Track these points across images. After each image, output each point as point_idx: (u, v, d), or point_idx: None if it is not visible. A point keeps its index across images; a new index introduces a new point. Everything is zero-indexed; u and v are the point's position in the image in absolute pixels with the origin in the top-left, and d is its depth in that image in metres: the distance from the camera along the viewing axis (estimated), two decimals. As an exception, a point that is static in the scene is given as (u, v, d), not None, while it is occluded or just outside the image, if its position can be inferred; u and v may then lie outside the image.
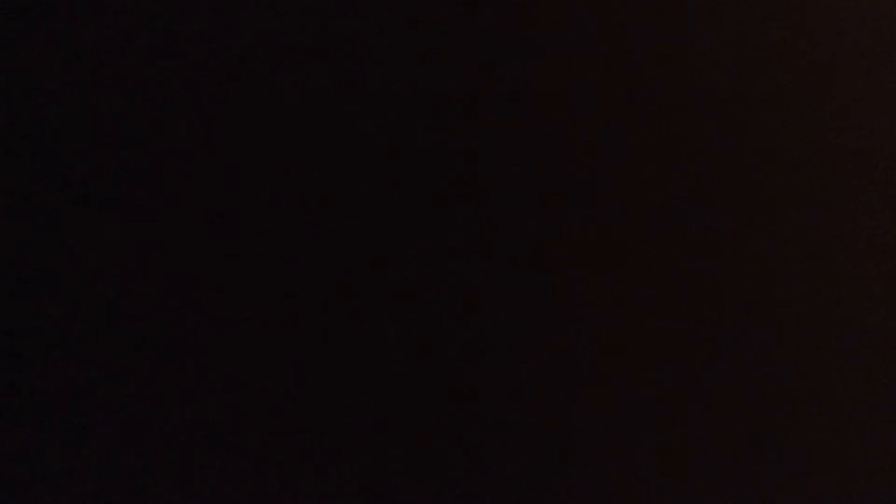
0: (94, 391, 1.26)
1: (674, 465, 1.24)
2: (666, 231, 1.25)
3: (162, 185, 1.27)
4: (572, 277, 1.26)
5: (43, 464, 1.26)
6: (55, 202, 1.27)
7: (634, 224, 1.26)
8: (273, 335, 1.26)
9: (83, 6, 1.27)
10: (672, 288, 1.25)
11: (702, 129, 1.26)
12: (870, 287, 1.24)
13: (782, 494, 1.24)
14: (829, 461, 1.24)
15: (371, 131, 1.27)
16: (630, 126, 1.27)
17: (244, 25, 1.28)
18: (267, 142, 1.27)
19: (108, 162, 1.27)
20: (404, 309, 1.26)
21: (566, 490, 1.25)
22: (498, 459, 1.25)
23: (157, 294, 1.26)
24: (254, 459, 1.25)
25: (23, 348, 1.26)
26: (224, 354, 1.26)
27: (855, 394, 1.24)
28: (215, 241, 1.26)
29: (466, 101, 1.27)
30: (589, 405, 1.25)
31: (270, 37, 1.28)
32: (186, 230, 1.26)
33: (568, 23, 1.27)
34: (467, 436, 1.25)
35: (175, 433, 1.25)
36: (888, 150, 1.26)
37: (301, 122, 1.27)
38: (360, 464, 1.25)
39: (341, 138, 1.27)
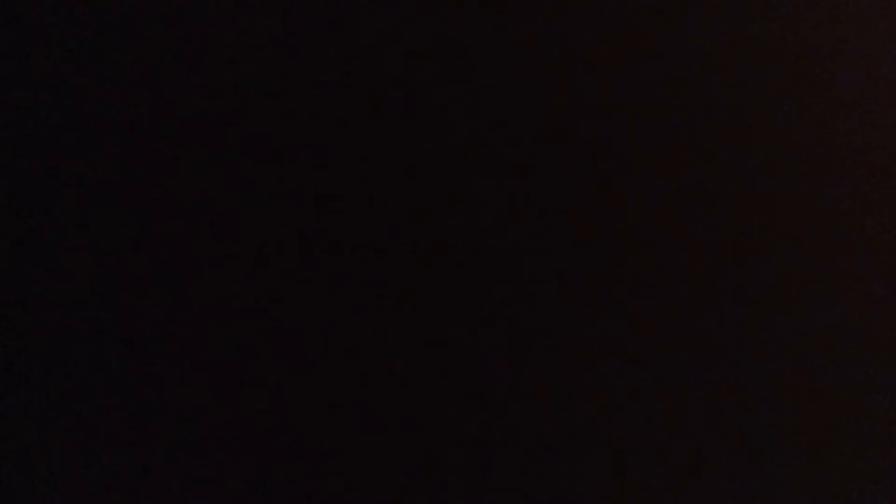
0: (94, 391, 1.26)
1: (674, 465, 1.24)
2: (666, 231, 1.26)
3: (162, 185, 1.27)
4: (573, 277, 1.26)
5: (43, 464, 1.26)
6: (55, 202, 1.27)
7: (635, 224, 1.26)
8: (273, 335, 1.26)
9: (83, 6, 1.27)
10: (672, 288, 1.25)
11: (702, 130, 1.26)
12: (870, 287, 1.25)
13: (782, 494, 1.24)
14: (829, 461, 1.24)
15: (373, 131, 1.27)
16: (631, 126, 1.27)
17: (244, 26, 1.28)
18: (267, 141, 1.27)
19: (108, 162, 1.27)
20: (405, 310, 1.26)
21: (566, 490, 1.25)
22: (499, 459, 1.25)
23: (157, 294, 1.26)
24: (253, 459, 1.25)
25: (23, 348, 1.26)
26: (224, 354, 1.26)
27: (855, 394, 1.24)
28: (215, 241, 1.26)
29: (469, 101, 1.27)
30: (589, 405, 1.25)
31: (270, 37, 1.28)
32: (186, 230, 1.27)
33: (569, 22, 1.28)
34: (468, 435, 1.25)
35: (175, 433, 1.25)
36: (888, 150, 1.26)
37: (301, 122, 1.27)
38: (360, 464, 1.25)
39: (342, 138, 1.27)
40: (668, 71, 1.27)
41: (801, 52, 1.26)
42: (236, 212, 1.27)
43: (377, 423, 1.25)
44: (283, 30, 1.28)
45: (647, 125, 1.26)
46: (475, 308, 1.26)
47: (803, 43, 1.27)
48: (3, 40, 1.27)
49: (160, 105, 1.27)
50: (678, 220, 1.26)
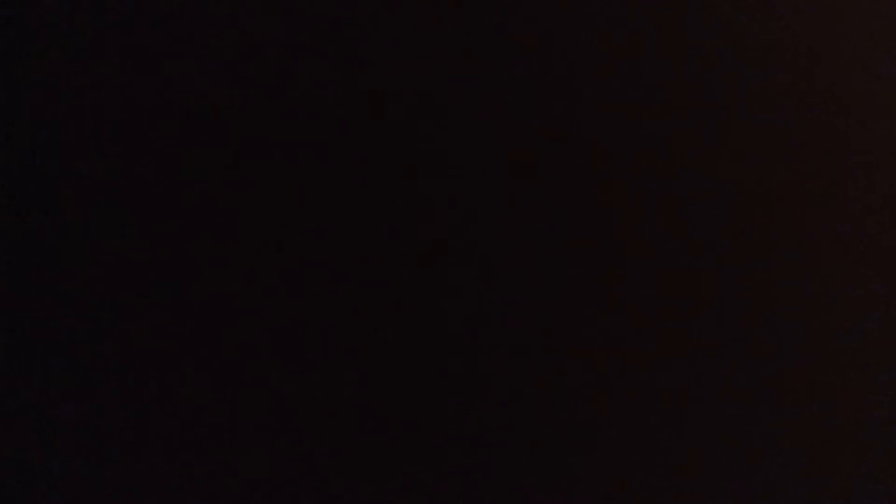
0: (94, 391, 1.26)
1: (674, 465, 1.24)
2: (666, 231, 1.26)
3: (161, 185, 1.27)
4: (573, 277, 1.26)
5: (43, 464, 1.26)
6: (55, 202, 1.27)
7: (635, 224, 1.26)
8: (272, 335, 1.26)
9: (83, 6, 1.27)
10: (672, 288, 1.25)
11: (702, 129, 1.26)
12: (870, 287, 1.25)
13: (782, 494, 1.24)
14: (829, 461, 1.24)
15: (373, 131, 1.27)
16: (631, 126, 1.27)
17: (244, 25, 1.28)
18: (267, 142, 1.27)
19: (108, 162, 1.27)
20: (405, 309, 1.26)
21: (566, 490, 1.25)
22: (498, 460, 1.25)
23: (157, 294, 1.26)
24: (254, 459, 1.25)
25: (23, 348, 1.26)
26: (224, 354, 1.26)
27: (855, 394, 1.24)
28: (215, 242, 1.26)
29: (468, 101, 1.27)
30: (589, 405, 1.25)
31: (270, 37, 1.28)
32: (186, 230, 1.27)
33: (568, 22, 1.28)
34: (468, 436, 1.25)
35: (175, 433, 1.25)
36: (888, 150, 1.26)
37: (301, 122, 1.27)
38: (360, 464, 1.25)
39: (341, 139, 1.27)
40: (667, 71, 1.27)
41: (801, 52, 1.26)
42: (236, 212, 1.27)
43: (375, 424, 1.25)
44: (283, 30, 1.28)
45: (646, 125, 1.26)
46: (474, 308, 1.26)
47: (803, 43, 1.27)
48: (2, 40, 1.27)
49: (160, 105, 1.27)
50: (678, 220, 1.26)
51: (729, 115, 1.26)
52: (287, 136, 1.27)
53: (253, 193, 1.27)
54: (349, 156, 1.27)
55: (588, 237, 1.26)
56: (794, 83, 1.26)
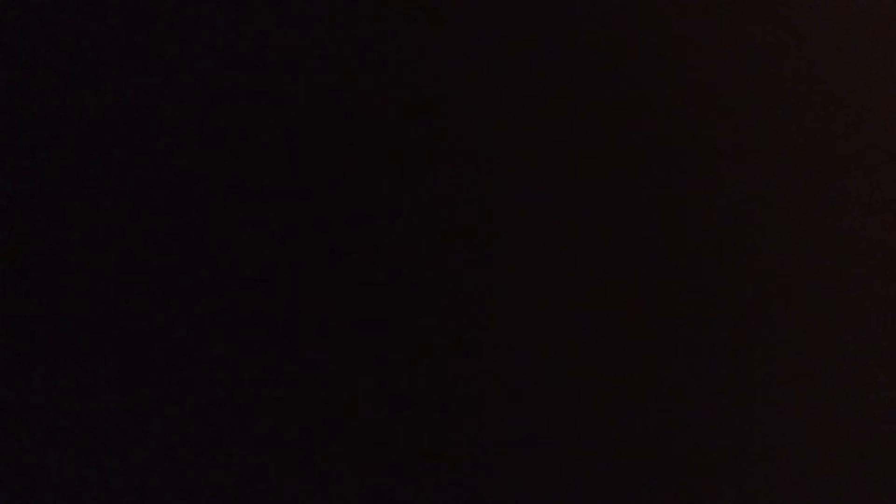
0: (95, 391, 1.26)
1: (673, 465, 1.24)
2: (666, 231, 1.26)
3: (161, 185, 1.27)
4: (572, 276, 1.26)
5: (43, 464, 1.26)
6: (55, 202, 1.27)
7: (634, 224, 1.26)
8: (274, 335, 1.26)
9: (83, 6, 1.28)
10: (672, 288, 1.25)
11: (702, 129, 1.26)
12: (870, 287, 1.25)
13: (782, 494, 1.24)
14: (829, 461, 1.24)
15: (371, 131, 1.27)
16: (630, 126, 1.27)
17: (244, 25, 1.28)
18: (266, 142, 1.27)
19: (108, 162, 1.27)
20: (404, 309, 1.26)
21: (566, 490, 1.25)
22: (497, 460, 1.25)
23: (157, 294, 1.26)
24: (254, 459, 1.25)
25: (23, 348, 1.26)
26: (224, 354, 1.26)
27: (855, 394, 1.24)
28: (215, 242, 1.27)
29: (465, 101, 1.27)
30: (589, 405, 1.25)
31: (270, 37, 1.28)
32: (186, 230, 1.27)
33: (568, 22, 1.28)
34: (466, 436, 1.25)
35: (175, 433, 1.26)
36: (888, 150, 1.26)
37: (301, 122, 1.27)
38: (360, 464, 1.25)
39: (341, 138, 1.27)
40: (668, 70, 1.27)
41: (801, 52, 1.27)
42: (235, 212, 1.27)
43: (375, 424, 1.25)
44: (283, 31, 1.28)
45: (646, 125, 1.27)
46: (473, 308, 1.26)
47: (803, 43, 1.27)
48: (2, 40, 1.27)
49: (160, 105, 1.28)
50: (678, 220, 1.26)
51: (729, 115, 1.26)
52: (286, 135, 1.27)
53: (252, 193, 1.27)
54: (347, 156, 1.27)
55: (587, 237, 1.26)
56: (795, 83, 1.26)
